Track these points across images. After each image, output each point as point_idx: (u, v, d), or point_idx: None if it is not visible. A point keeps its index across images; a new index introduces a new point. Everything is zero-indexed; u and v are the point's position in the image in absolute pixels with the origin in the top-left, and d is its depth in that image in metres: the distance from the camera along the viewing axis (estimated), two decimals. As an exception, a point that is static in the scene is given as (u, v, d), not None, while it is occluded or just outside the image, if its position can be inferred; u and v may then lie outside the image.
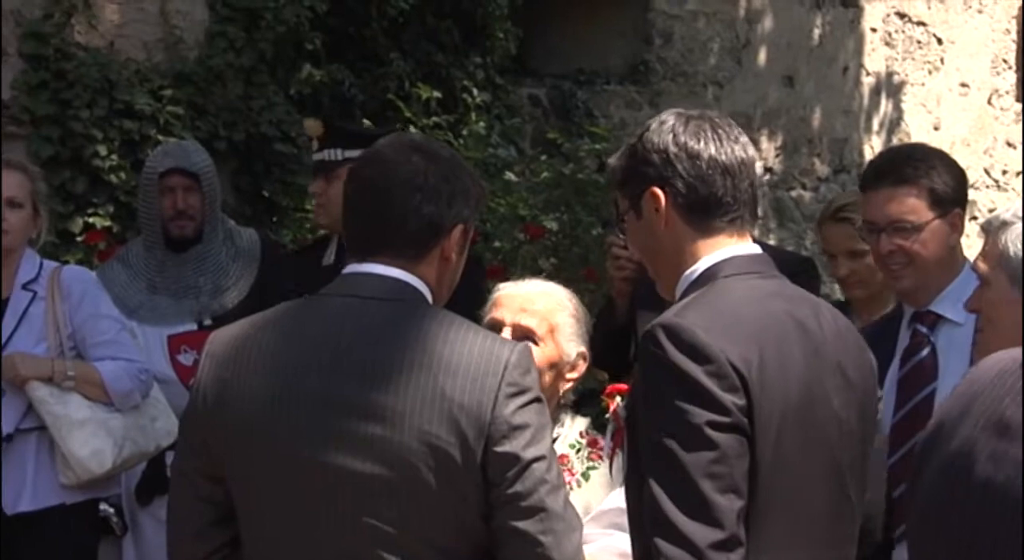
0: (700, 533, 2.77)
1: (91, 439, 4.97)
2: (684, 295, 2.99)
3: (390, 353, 2.84)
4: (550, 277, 6.82)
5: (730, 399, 2.82)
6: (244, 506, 2.93)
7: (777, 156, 10.22)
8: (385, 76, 8.25)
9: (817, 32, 10.32)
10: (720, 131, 3.07)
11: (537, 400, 2.88)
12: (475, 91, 8.44)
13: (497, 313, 3.82)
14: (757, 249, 3.06)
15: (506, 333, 3.73)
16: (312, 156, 5.43)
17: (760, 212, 9.64)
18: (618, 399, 3.19)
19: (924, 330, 4.01)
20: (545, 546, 2.82)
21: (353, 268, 2.97)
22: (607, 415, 3.19)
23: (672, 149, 3.02)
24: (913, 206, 3.96)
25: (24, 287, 5.18)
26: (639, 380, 2.93)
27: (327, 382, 2.84)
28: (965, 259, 4.06)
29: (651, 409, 2.85)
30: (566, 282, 5.52)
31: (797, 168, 10.31)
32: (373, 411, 2.81)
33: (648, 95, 9.34)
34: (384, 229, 2.93)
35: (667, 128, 3.05)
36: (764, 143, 10.19)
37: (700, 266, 3.01)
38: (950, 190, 3.99)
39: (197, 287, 5.69)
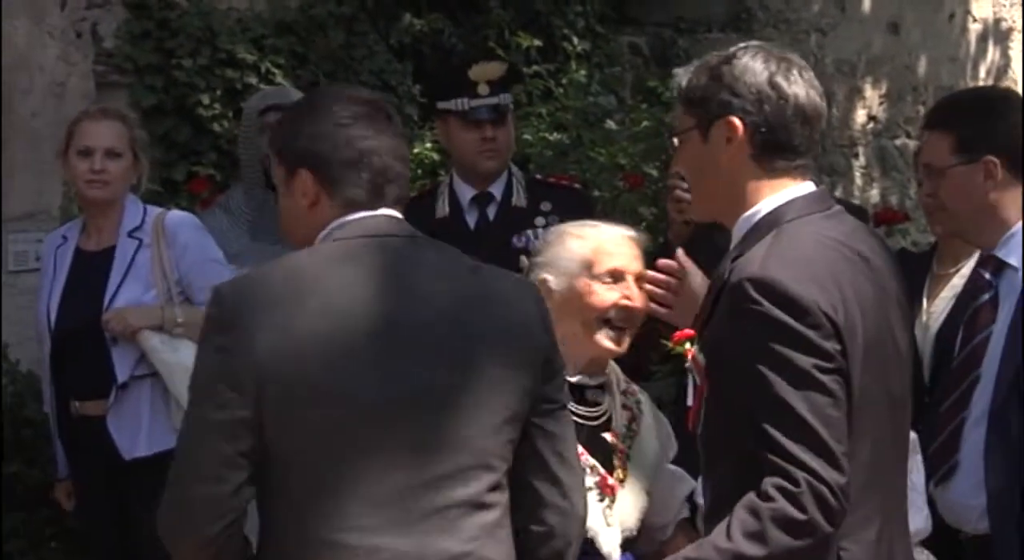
0: (830, 475, 2.87)
1: None
2: (746, 238, 3.08)
3: (462, 284, 3.07)
4: (650, 225, 6.89)
5: (830, 345, 2.91)
6: (315, 449, 2.96)
7: (881, 104, 10.18)
8: (485, 25, 8.25)
9: (923, -23, 10.36)
10: (805, 76, 3.14)
11: None
12: (575, 39, 8.40)
13: (617, 262, 3.81)
14: (813, 187, 3.15)
15: (629, 281, 3.80)
16: (471, 102, 5.42)
17: (863, 160, 9.93)
18: (693, 347, 3.18)
19: (988, 275, 4.07)
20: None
21: (370, 214, 3.13)
22: (686, 364, 3.23)
23: (765, 89, 3.08)
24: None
25: (129, 235, 5.30)
26: (727, 331, 2.99)
27: (437, 309, 3.00)
28: None
29: (755, 362, 2.92)
30: (665, 232, 5.54)
31: (902, 116, 10.26)
32: (477, 333, 3.01)
33: (750, 43, 9.38)
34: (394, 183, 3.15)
35: (760, 65, 3.11)
36: (868, 91, 10.15)
37: (762, 208, 3.09)
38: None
39: (296, 228, 5.72)
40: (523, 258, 4.52)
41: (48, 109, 6.83)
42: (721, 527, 2.91)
